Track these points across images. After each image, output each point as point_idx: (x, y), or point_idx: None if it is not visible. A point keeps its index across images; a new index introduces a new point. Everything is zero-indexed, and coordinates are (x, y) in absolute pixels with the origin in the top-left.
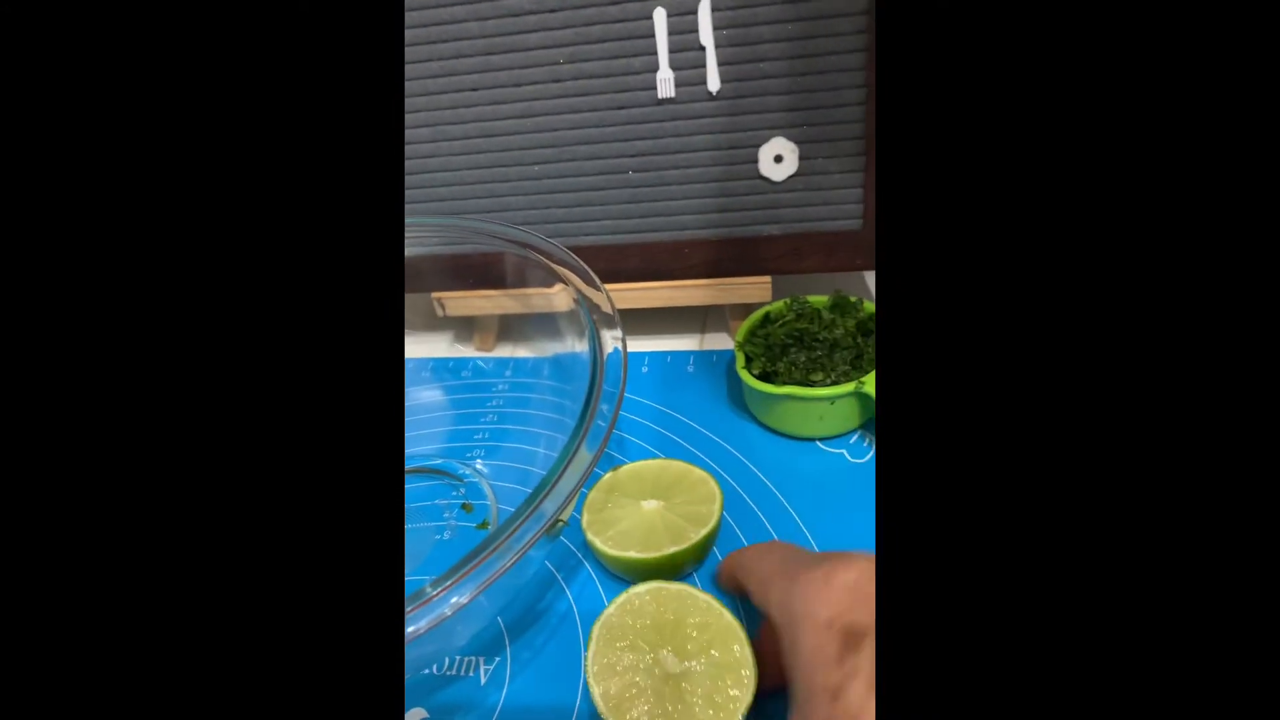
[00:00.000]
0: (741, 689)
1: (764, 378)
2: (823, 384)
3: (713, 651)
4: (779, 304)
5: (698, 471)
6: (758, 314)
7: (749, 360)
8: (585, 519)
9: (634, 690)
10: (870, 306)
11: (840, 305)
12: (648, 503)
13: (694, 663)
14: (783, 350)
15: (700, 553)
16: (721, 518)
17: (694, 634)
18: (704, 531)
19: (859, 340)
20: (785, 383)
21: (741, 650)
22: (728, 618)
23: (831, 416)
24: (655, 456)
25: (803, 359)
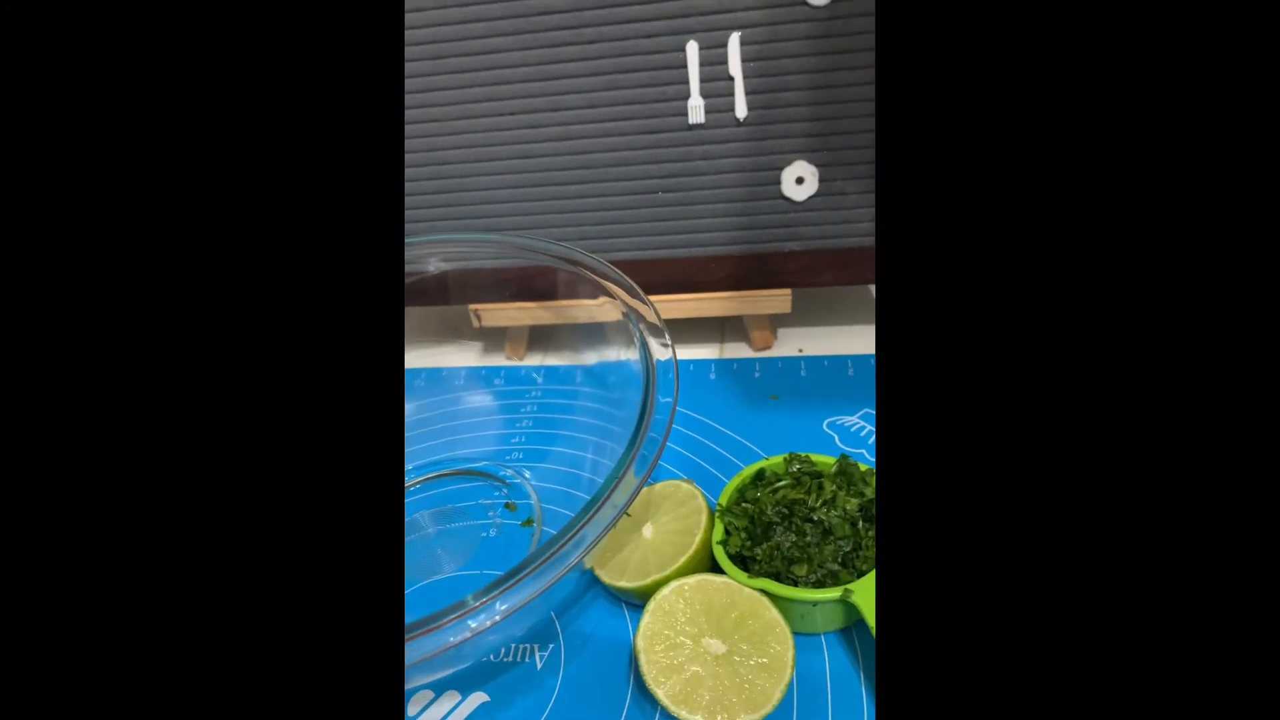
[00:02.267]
0: (782, 644)
1: (740, 560)
2: (805, 580)
3: (748, 622)
4: (777, 460)
5: (685, 486)
6: (750, 470)
7: (728, 534)
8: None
9: (695, 681)
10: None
11: (845, 474)
12: (646, 529)
13: (736, 637)
14: (766, 531)
15: (704, 559)
16: (713, 518)
17: (726, 614)
18: (699, 538)
19: (859, 527)
20: (761, 573)
21: (769, 612)
22: (747, 592)
23: (814, 617)
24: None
25: (788, 542)
